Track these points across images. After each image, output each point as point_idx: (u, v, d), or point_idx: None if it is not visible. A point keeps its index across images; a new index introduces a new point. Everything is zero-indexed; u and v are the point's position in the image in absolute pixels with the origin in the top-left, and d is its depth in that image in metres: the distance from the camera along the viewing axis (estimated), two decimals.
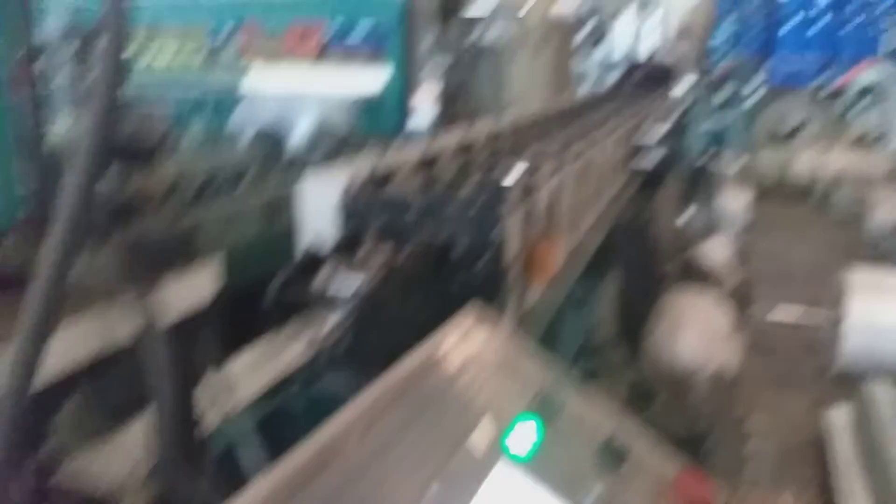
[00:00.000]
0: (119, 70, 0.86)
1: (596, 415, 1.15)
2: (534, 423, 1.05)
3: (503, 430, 1.02)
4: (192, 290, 1.11)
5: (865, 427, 3.33)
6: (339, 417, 0.99)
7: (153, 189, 1.19)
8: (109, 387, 1.12)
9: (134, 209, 1.13)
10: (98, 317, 0.98)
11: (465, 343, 1.16)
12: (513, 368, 1.15)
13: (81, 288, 0.97)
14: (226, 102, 6.88)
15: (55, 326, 0.83)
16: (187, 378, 1.13)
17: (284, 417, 1.78)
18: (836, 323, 4.39)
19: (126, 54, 0.88)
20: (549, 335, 2.66)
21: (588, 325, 3.00)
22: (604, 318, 3.19)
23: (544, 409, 1.09)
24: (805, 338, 4.85)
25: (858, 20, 15.58)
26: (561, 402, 1.10)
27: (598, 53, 13.24)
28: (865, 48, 15.45)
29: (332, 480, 0.89)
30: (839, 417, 3.50)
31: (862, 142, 10.14)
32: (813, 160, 9.52)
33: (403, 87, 6.58)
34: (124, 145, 1.13)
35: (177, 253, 1.11)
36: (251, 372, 1.48)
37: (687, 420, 2.16)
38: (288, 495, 0.84)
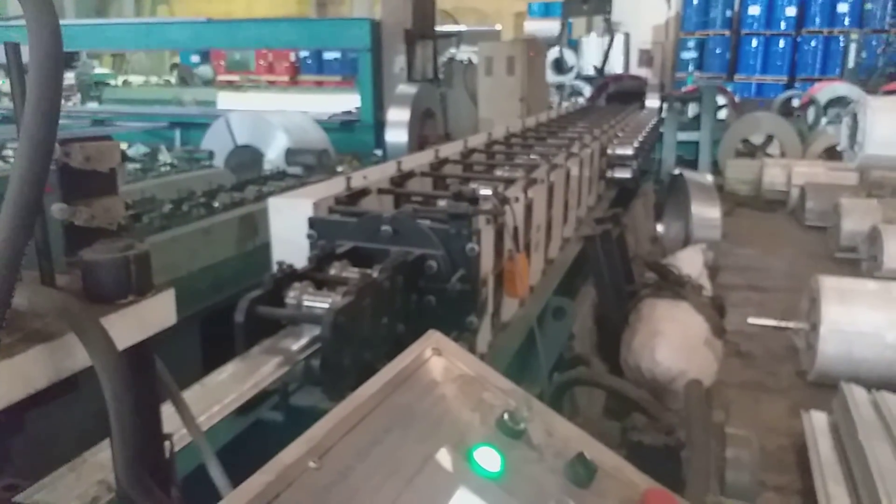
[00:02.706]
0: (53, 99, 0.85)
1: (563, 433, 1.14)
2: (500, 441, 1.05)
3: (469, 449, 1.01)
4: (152, 312, 1.08)
5: (845, 430, 3.35)
6: (303, 437, 0.97)
7: (115, 214, 1.16)
8: (71, 412, 1.10)
9: (92, 235, 1.11)
10: (54, 342, 0.96)
11: (429, 365, 1.15)
12: (477, 389, 1.14)
13: (36, 314, 0.95)
14: (200, 117, 6.88)
15: None
16: (149, 400, 1.10)
17: (256, 436, 1.75)
18: (811, 329, 4.44)
19: (60, 86, 0.87)
20: (526, 348, 2.65)
21: (565, 337, 3.00)
22: (581, 329, 3.19)
23: (511, 428, 1.08)
24: (782, 344, 4.89)
25: (819, 40, 16.00)
26: (527, 420, 1.09)
27: (572, 68, 13.43)
28: (826, 66, 15.89)
29: (296, 498, 0.88)
30: (819, 421, 3.51)
31: (830, 153, 10.31)
32: (784, 171, 9.66)
33: (375, 107, 6.62)
34: (75, 173, 1.12)
35: (135, 275, 1.08)
36: (222, 390, 1.45)
37: (665, 428, 2.16)
38: None
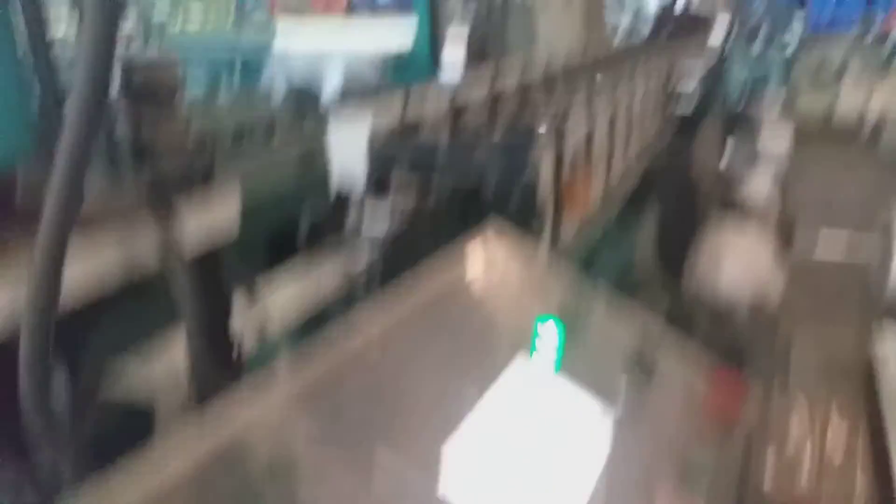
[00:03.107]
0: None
1: (626, 323, 1.13)
2: (560, 327, 1.04)
3: (530, 333, 1.01)
4: (214, 217, 1.11)
5: None
6: (363, 317, 0.99)
7: (178, 132, 1.19)
8: (143, 307, 1.14)
9: (156, 148, 1.14)
10: (122, 242, 0.99)
11: (491, 252, 1.15)
12: (539, 278, 1.14)
13: (104, 215, 0.99)
14: (257, 61, 6.94)
15: (64, 257, 0.82)
16: (217, 299, 1.13)
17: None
18: (884, 259, 4.28)
19: None
20: (586, 269, 2.63)
21: (626, 259, 2.97)
22: (643, 253, 3.16)
23: (572, 314, 1.07)
24: (851, 274, 4.75)
25: None
26: (589, 308, 1.08)
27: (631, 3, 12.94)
28: None
29: (356, 377, 0.90)
30: (887, 348, 3.43)
31: None
32: (858, 101, 9.21)
33: (431, 39, 6.50)
34: (139, 86, 1.14)
35: (198, 182, 1.11)
36: (285, 297, 1.49)
37: (727, 349, 2.13)
38: (312, 392, 0.85)
